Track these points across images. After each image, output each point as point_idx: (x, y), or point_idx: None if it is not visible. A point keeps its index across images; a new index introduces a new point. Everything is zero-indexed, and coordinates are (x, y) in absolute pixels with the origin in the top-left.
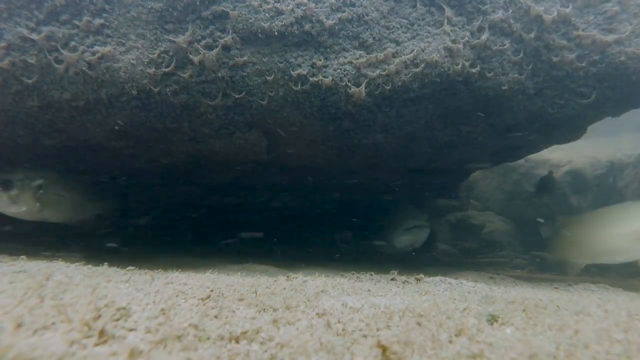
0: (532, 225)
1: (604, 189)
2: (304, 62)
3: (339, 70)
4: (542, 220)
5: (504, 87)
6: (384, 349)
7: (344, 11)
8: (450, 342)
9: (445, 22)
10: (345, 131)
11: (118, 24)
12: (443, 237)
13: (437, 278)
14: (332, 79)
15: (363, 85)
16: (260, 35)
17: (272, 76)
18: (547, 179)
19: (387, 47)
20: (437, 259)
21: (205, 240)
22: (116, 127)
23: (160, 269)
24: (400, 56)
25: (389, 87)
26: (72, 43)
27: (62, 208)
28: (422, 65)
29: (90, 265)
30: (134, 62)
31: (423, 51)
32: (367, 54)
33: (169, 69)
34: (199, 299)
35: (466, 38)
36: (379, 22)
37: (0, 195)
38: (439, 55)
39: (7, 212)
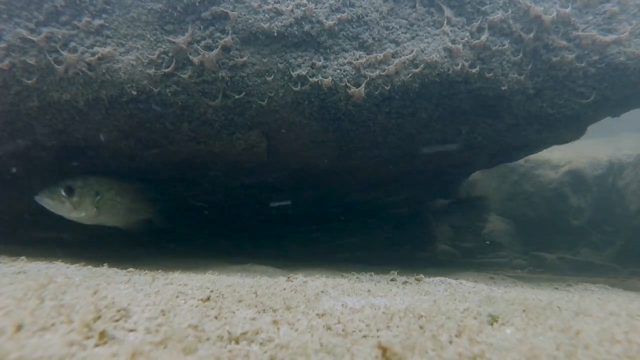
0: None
1: (603, 189)
2: (303, 63)
3: (338, 71)
4: None
5: (503, 88)
6: (384, 350)
7: (343, 12)
8: (451, 342)
9: (445, 22)
10: (345, 131)
11: (118, 24)
12: (443, 237)
13: (437, 278)
14: (332, 80)
15: (363, 85)
16: (260, 35)
17: (272, 77)
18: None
19: (386, 48)
20: (437, 259)
21: (206, 240)
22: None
23: (160, 270)
24: (400, 57)
25: (388, 88)
26: (72, 44)
27: (116, 212)
28: (422, 65)
29: (90, 266)
30: (134, 62)
31: (423, 52)
32: (366, 54)
33: (169, 69)
34: (199, 300)
35: (466, 38)
36: (379, 23)
37: (64, 201)
38: (439, 55)
39: (69, 216)
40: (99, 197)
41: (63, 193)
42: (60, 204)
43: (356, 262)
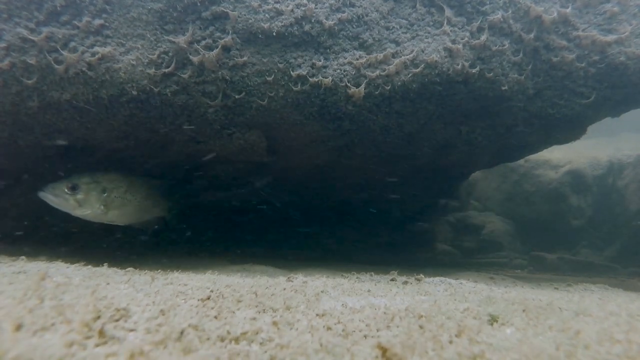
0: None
1: (603, 189)
2: (303, 63)
3: (338, 71)
4: None
5: (503, 88)
6: (385, 350)
7: (343, 12)
8: (451, 342)
9: (445, 22)
10: (346, 131)
11: (118, 24)
12: (443, 237)
13: (437, 278)
14: (332, 80)
15: (363, 85)
16: (260, 35)
17: (272, 76)
18: None
19: (386, 48)
20: (437, 259)
21: (206, 240)
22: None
23: (160, 270)
24: (400, 57)
25: (388, 88)
26: (72, 44)
27: (126, 211)
28: (422, 65)
29: (90, 266)
30: (134, 62)
31: (423, 52)
32: (366, 54)
33: (169, 69)
34: (198, 300)
35: (466, 38)
36: (379, 23)
37: (68, 198)
38: (439, 55)
39: (74, 214)
40: (105, 194)
41: (65, 190)
42: (63, 201)
43: (356, 261)
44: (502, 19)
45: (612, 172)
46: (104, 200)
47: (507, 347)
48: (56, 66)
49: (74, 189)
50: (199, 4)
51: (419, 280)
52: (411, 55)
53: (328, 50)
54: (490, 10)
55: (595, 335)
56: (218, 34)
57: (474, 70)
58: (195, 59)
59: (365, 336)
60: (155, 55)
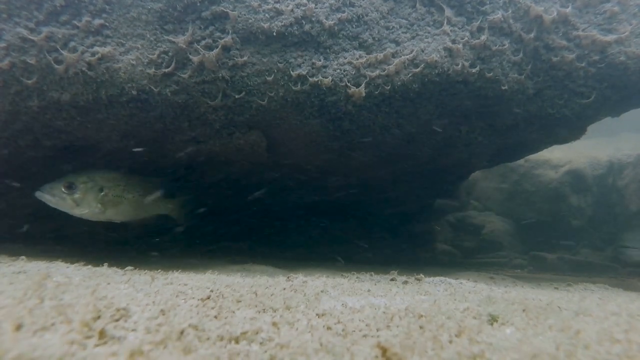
0: (532, 226)
1: (603, 189)
2: (303, 63)
3: (338, 71)
4: None
5: (503, 87)
6: (384, 350)
7: (343, 11)
8: (451, 342)
9: (445, 22)
10: (345, 131)
11: (118, 24)
12: (443, 237)
13: (437, 278)
14: (332, 79)
15: (363, 85)
16: (260, 35)
17: (272, 76)
18: None
19: (386, 48)
20: (437, 259)
21: (205, 240)
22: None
23: (160, 270)
24: (400, 56)
25: (388, 87)
26: (72, 43)
27: (124, 209)
28: (422, 65)
29: (90, 266)
30: (134, 62)
31: (423, 51)
32: (366, 54)
33: (169, 69)
34: (198, 300)
35: (466, 38)
36: (379, 23)
37: (65, 198)
38: (439, 55)
39: (72, 213)
40: (103, 193)
41: (63, 189)
42: (61, 201)
43: (356, 261)
44: (502, 19)
45: (612, 172)
46: (101, 199)
47: (507, 346)
48: (56, 66)
49: (71, 188)
50: (199, 4)
51: (419, 280)
52: (411, 55)
53: (328, 50)
54: (490, 10)
55: (595, 335)
56: (218, 33)
57: (474, 70)
58: (195, 59)
59: (365, 336)
60: (155, 55)
